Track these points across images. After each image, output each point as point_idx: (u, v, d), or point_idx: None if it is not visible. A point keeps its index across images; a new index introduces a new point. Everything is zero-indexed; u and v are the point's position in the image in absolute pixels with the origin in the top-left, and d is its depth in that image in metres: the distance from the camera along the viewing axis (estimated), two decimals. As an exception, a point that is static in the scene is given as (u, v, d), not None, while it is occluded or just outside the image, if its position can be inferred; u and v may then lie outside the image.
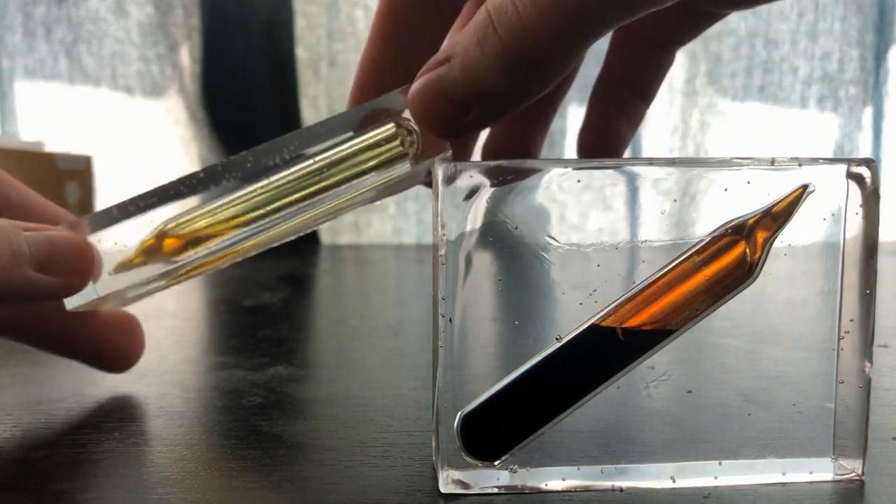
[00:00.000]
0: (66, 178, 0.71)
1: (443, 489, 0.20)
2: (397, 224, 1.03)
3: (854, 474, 0.20)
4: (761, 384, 0.21)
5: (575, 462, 0.20)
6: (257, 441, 0.24)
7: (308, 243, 0.98)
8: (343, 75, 1.03)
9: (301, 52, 1.02)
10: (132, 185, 0.24)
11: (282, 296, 0.55)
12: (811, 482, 0.20)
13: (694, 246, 0.20)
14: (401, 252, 0.90)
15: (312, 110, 1.02)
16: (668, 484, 0.20)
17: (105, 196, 0.82)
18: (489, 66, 0.19)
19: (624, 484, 0.20)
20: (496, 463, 0.20)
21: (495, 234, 0.19)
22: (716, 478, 0.20)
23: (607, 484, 0.20)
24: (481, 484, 0.20)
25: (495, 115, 0.20)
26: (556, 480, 0.20)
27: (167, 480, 0.21)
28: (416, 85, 0.20)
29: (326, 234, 1.01)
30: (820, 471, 0.21)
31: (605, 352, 0.20)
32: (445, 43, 0.20)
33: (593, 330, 0.20)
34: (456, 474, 0.20)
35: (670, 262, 0.20)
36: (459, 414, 0.20)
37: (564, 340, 0.20)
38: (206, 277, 0.62)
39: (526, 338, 0.20)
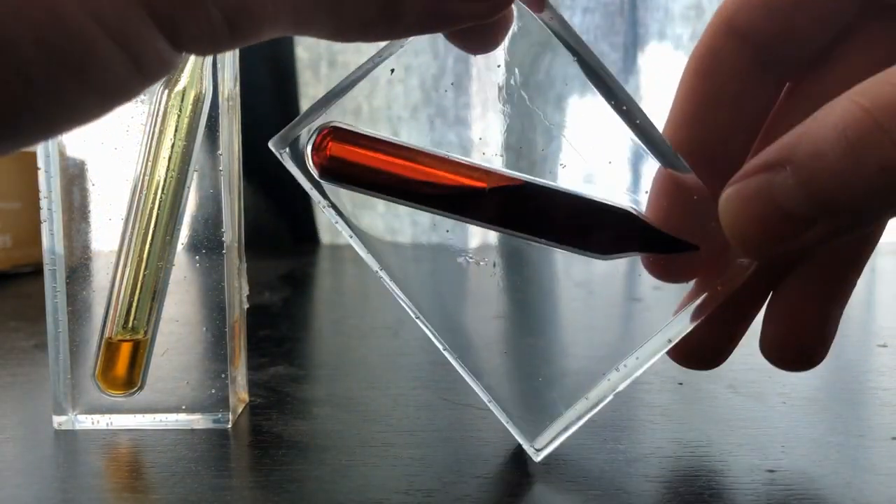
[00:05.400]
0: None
1: (271, 144, 0.20)
2: (389, 224, 1.03)
3: None
4: None
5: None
6: (257, 441, 0.24)
7: (308, 243, 0.98)
8: (342, 76, 1.02)
9: (301, 52, 1.02)
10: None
11: (282, 296, 0.55)
12: None
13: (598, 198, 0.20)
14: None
15: (312, 110, 1.02)
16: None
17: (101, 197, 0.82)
18: (861, 179, 0.14)
19: None
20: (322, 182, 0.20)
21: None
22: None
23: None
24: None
25: (848, 233, 0.16)
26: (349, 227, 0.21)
27: (167, 480, 0.21)
28: (733, 193, 0.17)
29: (326, 234, 1.01)
30: None
31: (479, 198, 0.20)
32: (774, 144, 0.16)
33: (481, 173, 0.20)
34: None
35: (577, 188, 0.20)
36: (333, 122, 0.20)
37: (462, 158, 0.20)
38: (203, 278, 0.62)
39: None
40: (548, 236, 0.20)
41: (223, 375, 0.25)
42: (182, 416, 0.25)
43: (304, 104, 1.03)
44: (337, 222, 0.21)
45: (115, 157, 0.24)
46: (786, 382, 0.30)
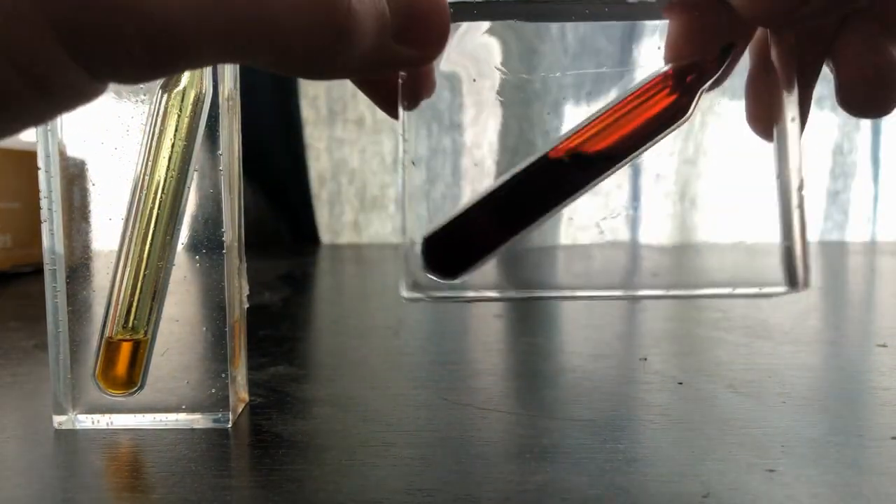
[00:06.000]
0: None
1: (405, 295, 0.21)
2: (397, 224, 1.03)
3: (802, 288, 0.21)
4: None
5: (526, 287, 0.22)
6: (257, 441, 0.24)
7: (308, 243, 0.99)
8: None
9: (301, 52, 1.02)
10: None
11: (282, 296, 0.55)
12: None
13: (632, 89, 0.21)
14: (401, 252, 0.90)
15: (312, 110, 1.02)
16: (613, 291, 0.22)
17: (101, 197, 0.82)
18: None
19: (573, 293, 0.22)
20: (456, 281, 0.21)
21: (452, 82, 0.21)
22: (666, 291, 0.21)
23: (553, 293, 0.22)
24: (436, 291, 0.21)
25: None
26: (504, 292, 0.22)
27: (167, 480, 0.21)
28: None
29: (326, 234, 1.01)
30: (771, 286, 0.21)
31: (555, 178, 0.21)
32: None
33: (543, 159, 0.21)
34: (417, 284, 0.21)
35: (611, 102, 0.21)
36: (422, 237, 0.21)
37: (516, 169, 0.21)
38: (203, 278, 0.62)
39: (483, 173, 0.22)
40: (638, 145, 0.21)
41: (223, 375, 0.25)
42: (182, 416, 0.25)
43: (304, 104, 1.03)
44: (494, 299, 0.22)
45: (115, 157, 0.24)
46: (786, 382, 0.30)
